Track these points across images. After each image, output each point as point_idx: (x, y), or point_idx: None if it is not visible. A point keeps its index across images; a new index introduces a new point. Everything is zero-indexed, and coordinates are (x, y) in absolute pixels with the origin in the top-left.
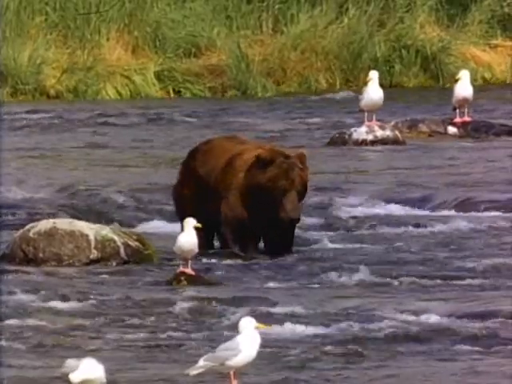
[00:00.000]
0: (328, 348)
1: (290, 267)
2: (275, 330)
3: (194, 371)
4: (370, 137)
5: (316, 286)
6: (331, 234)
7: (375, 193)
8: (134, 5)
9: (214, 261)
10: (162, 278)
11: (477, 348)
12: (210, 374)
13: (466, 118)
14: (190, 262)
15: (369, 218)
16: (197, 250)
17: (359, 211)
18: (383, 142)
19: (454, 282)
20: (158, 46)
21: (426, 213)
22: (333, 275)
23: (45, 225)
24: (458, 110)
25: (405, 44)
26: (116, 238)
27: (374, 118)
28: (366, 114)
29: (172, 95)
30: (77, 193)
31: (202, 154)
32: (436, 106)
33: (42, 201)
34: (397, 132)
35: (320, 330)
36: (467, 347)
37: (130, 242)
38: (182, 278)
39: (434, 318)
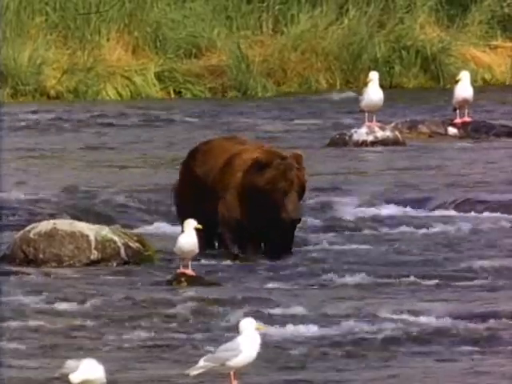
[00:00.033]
0: (328, 348)
1: (290, 268)
2: (275, 330)
3: (194, 371)
4: (371, 138)
5: (316, 286)
6: (331, 234)
7: (375, 193)
8: (134, 5)
9: (214, 261)
10: (162, 279)
11: (477, 348)
12: (210, 374)
13: (466, 119)
14: (190, 262)
15: (369, 218)
16: (197, 250)
17: (359, 212)
18: (383, 142)
19: (454, 283)
20: (159, 47)
21: (426, 213)
22: (333, 276)
23: (45, 226)
24: (458, 111)
25: (405, 45)
26: (116, 238)
27: (374, 118)
28: (366, 114)
29: (172, 96)
30: (77, 193)
31: (201, 154)
32: (436, 107)
33: (42, 201)
34: (397, 133)
35: (320, 331)
36: (467, 347)
37: (131, 243)
38: (183, 279)
39: (433, 319)
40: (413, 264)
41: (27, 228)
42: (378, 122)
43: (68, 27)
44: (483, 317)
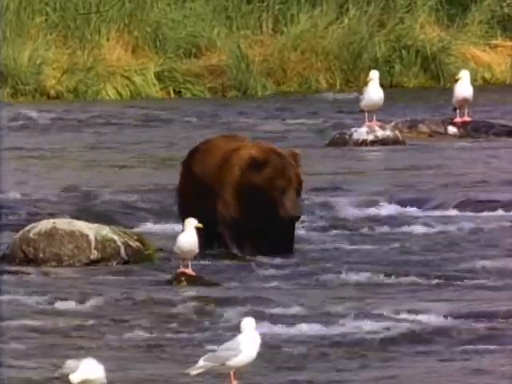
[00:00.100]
0: (328, 348)
1: (290, 267)
2: (275, 330)
3: (194, 371)
4: (371, 137)
5: (316, 286)
6: (331, 234)
7: (375, 193)
8: (134, 5)
9: (214, 261)
10: (162, 278)
11: (477, 348)
12: (210, 374)
13: (466, 118)
14: (190, 262)
15: (369, 218)
16: (197, 250)
17: (359, 211)
18: (383, 142)
19: (454, 282)
20: (159, 47)
21: (426, 213)
22: (333, 275)
23: (45, 225)
24: (458, 110)
25: (405, 44)
26: (116, 238)
27: (374, 118)
28: (366, 114)
29: (172, 96)
30: (77, 193)
31: (201, 153)
32: (436, 106)
33: (42, 201)
34: (397, 132)
35: (320, 330)
36: (467, 347)
37: (131, 242)
38: (183, 278)
39: (434, 318)
40: (413, 264)
41: (27, 228)
42: (378, 121)
43: (68, 27)
44: (483, 317)
